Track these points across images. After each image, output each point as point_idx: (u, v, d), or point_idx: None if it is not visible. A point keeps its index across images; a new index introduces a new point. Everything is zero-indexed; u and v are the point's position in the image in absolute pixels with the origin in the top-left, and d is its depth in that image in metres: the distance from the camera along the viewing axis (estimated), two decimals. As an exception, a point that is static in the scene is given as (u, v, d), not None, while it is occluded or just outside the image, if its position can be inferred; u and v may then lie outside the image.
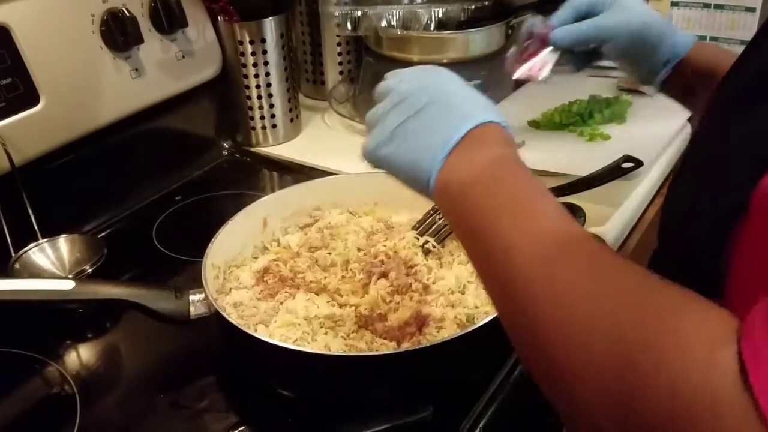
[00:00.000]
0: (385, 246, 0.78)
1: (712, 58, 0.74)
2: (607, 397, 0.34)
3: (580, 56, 0.81)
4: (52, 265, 0.82)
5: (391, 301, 0.71)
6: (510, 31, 1.16)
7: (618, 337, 0.34)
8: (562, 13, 0.78)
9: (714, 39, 1.14)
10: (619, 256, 0.41)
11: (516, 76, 0.80)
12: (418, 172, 0.51)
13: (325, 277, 0.74)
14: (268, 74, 1.08)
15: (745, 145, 0.42)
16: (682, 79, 0.76)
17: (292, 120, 1.15)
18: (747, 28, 1.11)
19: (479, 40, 1.13)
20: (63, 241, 0.85)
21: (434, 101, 0.52)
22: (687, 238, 0.47)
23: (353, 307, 0.70)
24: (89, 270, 0.81)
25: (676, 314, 0.34)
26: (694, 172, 0.50)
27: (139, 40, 0.93)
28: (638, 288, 0.37)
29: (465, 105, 0.52)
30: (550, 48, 0.78)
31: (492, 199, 0.46)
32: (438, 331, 0.66)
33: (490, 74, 1.19)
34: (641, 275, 0.38)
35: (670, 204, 0.53)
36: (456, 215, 0.49)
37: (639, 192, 0.94)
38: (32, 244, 0.82)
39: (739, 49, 1.11)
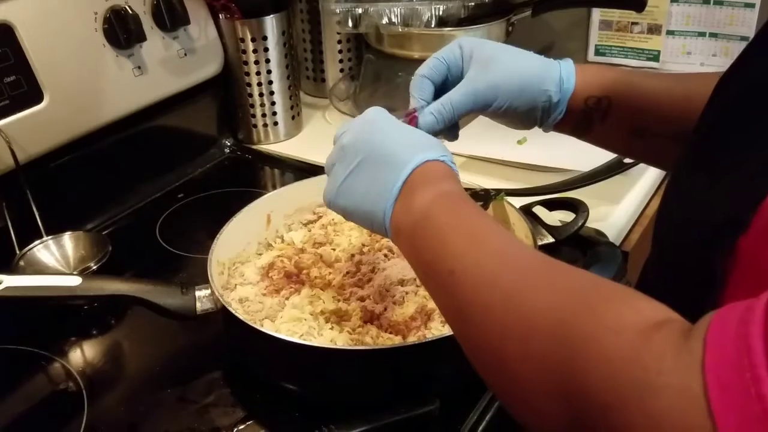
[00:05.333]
0: (388, 241, 0.79)
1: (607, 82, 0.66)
2: (549, 381, 0.36)
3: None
4: (56, 263, 0.83)
5: (395, 296, 0.71)
6: (510, 28, 1.17)
7: (557, 329, 0.37)
8: (419, 90, 0.65)
9: (713, 35, 1.15)
10: (557, 260, 0.44)
11: None
12: (374, 224, 0.55)
13: (330, 273, 0.75)
14: (269, 72, 1.09)
15: (745, 159, 0.42)
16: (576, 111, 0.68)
17: (293, 117, 1.16)
18: (746, 23, 1.11)
19: (480, 37, 1.14)
20: (67, 239, 0.85)
21: (367, 156, 0.54)
22: (681, 245, 0.47)
23: (358, 302, 0.70)
24: (94, 267, 0.82)
25: (612, 303, 0.37)
26: (689, 180, 0.49)
27: (142, 37, 0.93)
28: (577, 282, 0.40)
29: (398, 153, 0.53)
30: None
31: (434, 238, 0.49)
32: (443, 325, 0.67)
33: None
34: (581, 274, 0.42)
35: (664, 211, 0.53)
36: (409, 257, 0.52)
37: (641, 187, 0.95)
38: (37, 242, 0.83)
39: (738, 46, 1.11)
